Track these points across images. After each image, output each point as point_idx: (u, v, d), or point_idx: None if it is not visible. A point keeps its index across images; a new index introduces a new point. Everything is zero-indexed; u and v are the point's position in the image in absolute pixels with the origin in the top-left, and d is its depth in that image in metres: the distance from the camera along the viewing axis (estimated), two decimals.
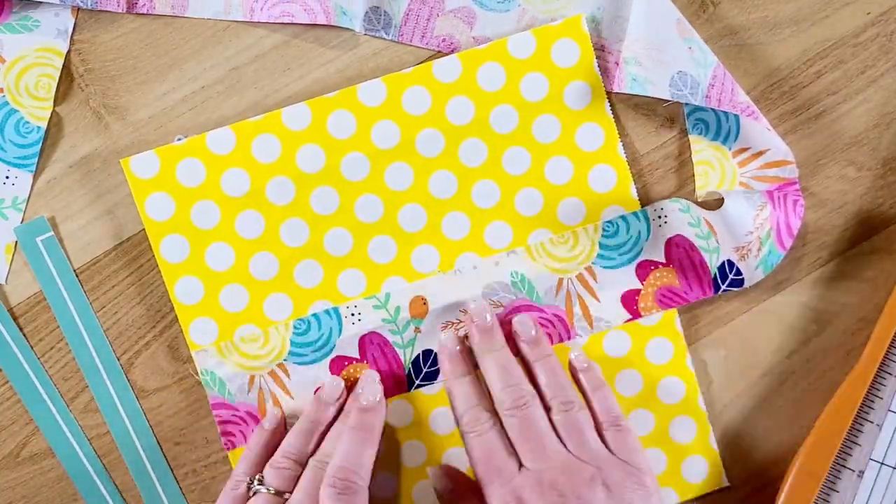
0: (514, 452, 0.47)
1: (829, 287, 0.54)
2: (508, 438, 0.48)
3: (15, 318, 0.53)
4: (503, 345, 0.51)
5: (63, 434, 0.53)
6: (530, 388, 0.49)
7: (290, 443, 0.50)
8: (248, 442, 0.52)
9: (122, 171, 0.52)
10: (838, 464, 0.51)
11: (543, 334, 0.52)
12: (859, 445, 0.51)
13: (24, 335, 0.53)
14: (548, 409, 0.48)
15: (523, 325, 0.51)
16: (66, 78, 0.53)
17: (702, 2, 0.53)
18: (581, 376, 0.50)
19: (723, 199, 0.52)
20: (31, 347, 0.53)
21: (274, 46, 0.53)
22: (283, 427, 0.52)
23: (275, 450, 0.50)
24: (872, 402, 0.51)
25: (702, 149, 0.53)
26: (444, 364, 0.51)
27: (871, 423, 0.51)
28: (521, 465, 0.47)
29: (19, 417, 0.53)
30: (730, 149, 0.53)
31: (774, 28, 0.53)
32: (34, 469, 0.53)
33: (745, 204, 0.51)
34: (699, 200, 0.53)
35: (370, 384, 0.51)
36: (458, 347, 0.51)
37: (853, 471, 0.51)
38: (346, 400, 0.52)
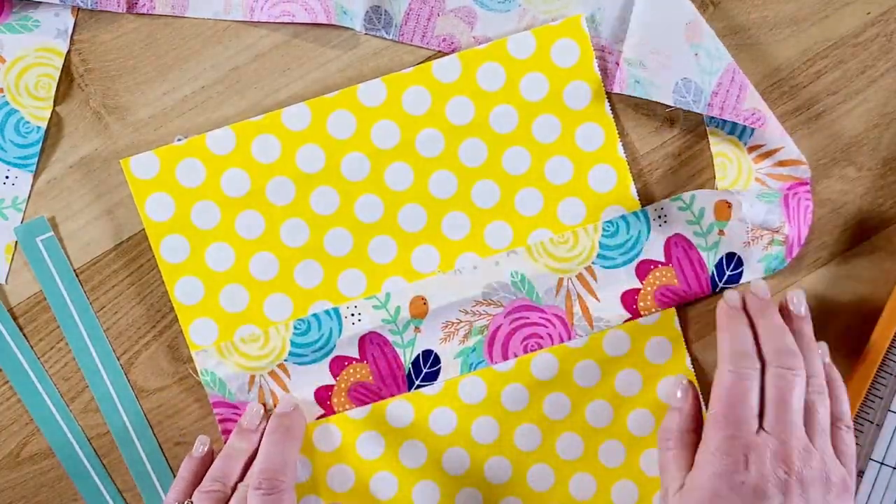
0: (761, 413, 0.47)
1: (829, 287, 0.54)
2: (762, 398, 0.47)
3: (15, 318, 0.53)
4: (780, 318, 0.50)
5: (63, 434, 0.53)
6: (802, 363, 0.48)
7: (216, 467, 0.50)
8: (178, 472, 0.52)
9: (122, 171, 0.52)
10: None
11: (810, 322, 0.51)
12: (859, 445, 0.51)
13: (24, 335, 0.53)
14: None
15: (798, 301, 0.51)
16: (66, 78, 0.53)
17: (702, 2, 0.53)
18: (830, 372, 0.50)
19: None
20: (31, 347, 0.53)
21: (274, 46, 0.53)
22: (210, 455, 0.52)
23: (203, 477, 0.51)
24: (872, 402, 0.51)
25: (719, 141, 0.53)
26: (723, 314, 0.50)
27: (871, 423, 0.51)
28: (760, 426, 0.46)
29: (19, 417, 0.53)
30: (745, 144, 0.53)
31: (774, 28, 0.53)
32: (34, 469, 0.53)
33: (764, 213, 0.51)
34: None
35: (284, 398, 0.53)
36: (737, 300, 0.51)
37: None
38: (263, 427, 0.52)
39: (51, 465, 0.53)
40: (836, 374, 0.50)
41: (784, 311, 0.51)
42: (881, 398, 0.51)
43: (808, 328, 0.50)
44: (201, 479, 0.50)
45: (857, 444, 0.50)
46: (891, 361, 0.51)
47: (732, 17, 0.53)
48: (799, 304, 0.50)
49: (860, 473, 0.51)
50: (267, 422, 0.52)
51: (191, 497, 0.49)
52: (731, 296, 0.51)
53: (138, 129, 0.53)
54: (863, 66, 0.53)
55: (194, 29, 0.53)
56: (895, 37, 0.53)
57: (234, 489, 0.49)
